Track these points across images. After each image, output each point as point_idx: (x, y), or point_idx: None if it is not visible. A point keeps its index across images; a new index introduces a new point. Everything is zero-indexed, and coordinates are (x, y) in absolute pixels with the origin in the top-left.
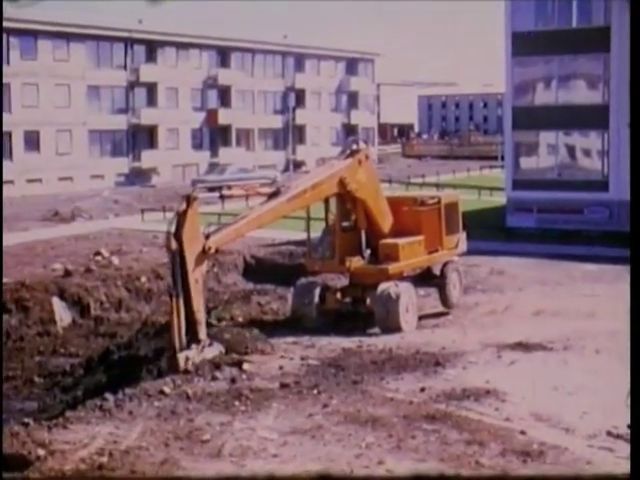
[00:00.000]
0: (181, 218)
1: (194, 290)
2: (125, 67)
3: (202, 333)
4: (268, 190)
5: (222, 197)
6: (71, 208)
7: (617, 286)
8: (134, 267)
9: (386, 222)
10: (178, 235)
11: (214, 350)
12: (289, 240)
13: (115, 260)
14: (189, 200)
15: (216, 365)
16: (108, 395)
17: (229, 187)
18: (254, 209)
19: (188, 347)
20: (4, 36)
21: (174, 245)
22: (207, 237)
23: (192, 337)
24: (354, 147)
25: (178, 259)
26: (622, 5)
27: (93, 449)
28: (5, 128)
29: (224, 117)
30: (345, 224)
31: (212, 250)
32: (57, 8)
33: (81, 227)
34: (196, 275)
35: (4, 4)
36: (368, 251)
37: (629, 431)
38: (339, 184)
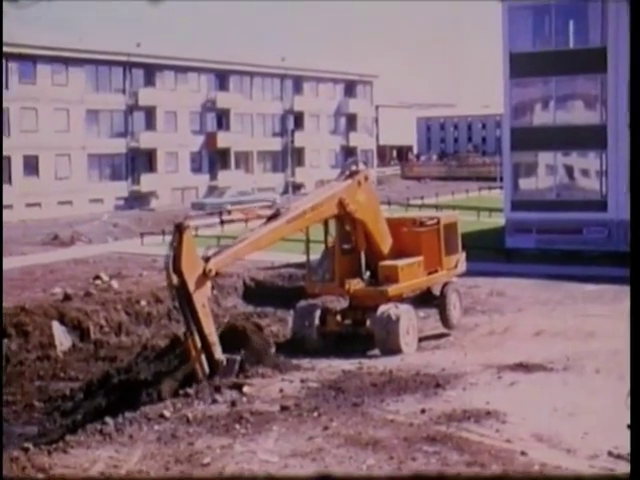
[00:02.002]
0: (177, 249)
1: (202, 314)
2: (124, 91)
3: (217, 353)
4: (268, 212)
5: (222, 222)
6: (70, 232)
7: (617, 306)
8: (134, 291)
9: (385, 243)
10: (177, 267)
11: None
12: (289, 263)
13: (115, 284)
14: (181, 229)
15: (216, 388)
16: (108, 419)
17: (229, 212)
18: (254, 231)
19: (211, 375)
20: (3, 61)
21: (175, 280)
22: (207, 260)
23: (208, 359)
24: (353, 168)
25: (183, 294)
26: (618, 26)
27: (93, 473)
28: (4, 153)
29: (223, 140)
30: (345, 246)
31: (212, 272)
32: (55, 30)
33: (80, 251)
34: (202, 299)
35: (4, 4)
36: (368, 273)
37: (629, 431)
38: (338, 205)
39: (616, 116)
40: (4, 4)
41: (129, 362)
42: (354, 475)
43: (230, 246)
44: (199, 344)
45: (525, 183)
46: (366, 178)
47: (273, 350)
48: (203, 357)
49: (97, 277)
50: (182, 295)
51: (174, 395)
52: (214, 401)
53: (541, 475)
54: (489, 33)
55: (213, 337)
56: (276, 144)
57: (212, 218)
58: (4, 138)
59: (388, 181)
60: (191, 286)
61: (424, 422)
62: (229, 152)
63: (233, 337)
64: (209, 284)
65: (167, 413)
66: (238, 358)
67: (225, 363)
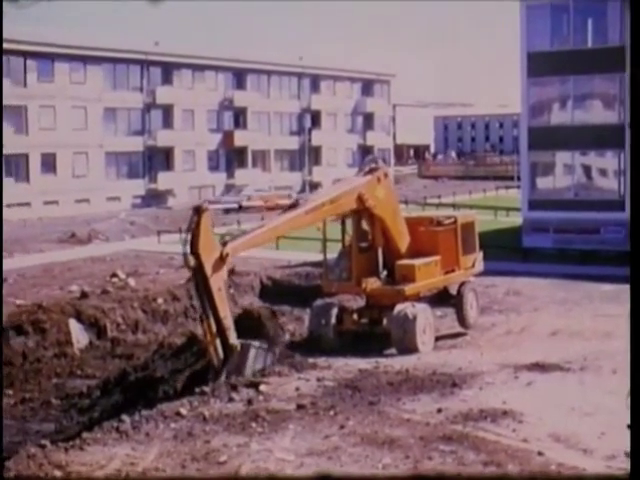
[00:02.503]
0: (194, 232)
1: (218, 298)
2: (141, 89)
3: (232, 338)
4: (287, 202)
5: (241, 207)
6: (88, 230)
7: None
8: (150, 289)
9: (403, 241)
10: (194, 249)
11: (262, 361)
12: (305, 261)
13: (131, 282)
14: (199, 212)
15: (232, 386)
16: (125, 417)
17: (248, 198)
18: (272, 219)
19: (225, 362)
20: (22, 59)
21: (192, 262)
22: (224, 244)
23: (223, 344)
24: (373, 165)
25: (200, 276)
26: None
27: (110, 470)
28: (22, 150)
29: (240, 138)
30: (362, 244)
31: (230, 256)
32: (73, 27)
33: (98, 249)
34: (218, 283)
35: (4, 4)
36: (385, 272)
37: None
38: (357, 200)
39: None
40: (4, 4)
41: (146, 360)
42: (354, 475)
43: (248, 232)
44: (214, 328)
45: (543, 182)
46: (386, 175)
47: (286, 337)
48: (218, 342)
49: (114, 275)
50: (198, 277)
51: (190, 393)
52: (230, 399)
53: (541, 475)
54: (507, 31)
55: (228, 321)
56: (293, 143)
57: (231, 204)
58: (22, 136)
59: (405, 180)
60: (208, 268)
61: (440, 421)
62: (246, 151)
63: (248, 323)
64: (225, 268)
65: (184, 411)
66: (253, 344)
67: (239, 348)
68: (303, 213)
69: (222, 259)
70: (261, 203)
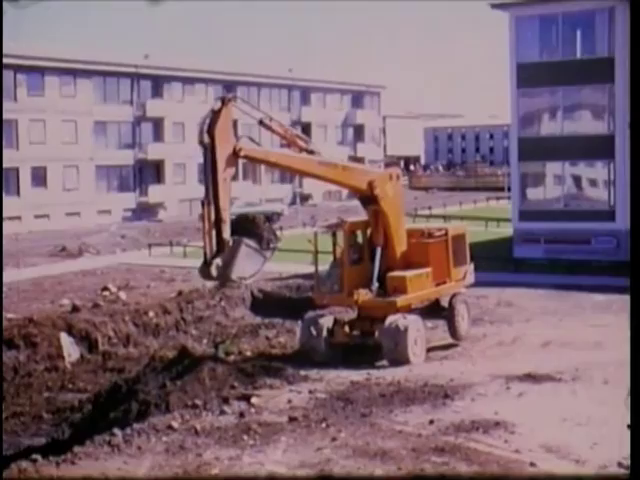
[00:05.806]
0: (215, 116)
1: (222, 188)
2: (131, 102)
3: (226, 233)
4: (304, 146)
5: (261, 123)
6: (78, 243)
7: (625, 316)
8: (142, 302)
9: (400, 247)
10: (211, 131)
11: (252, 263)
12: (297, 273)
13: (123, 295)
14: (224, 101)
15: (224, 399)
16: (116, 430)
17: (270, 119)
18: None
19: (217, 255)
20: (12, 73)
21: (206, 139)
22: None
23: (217, 235)
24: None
25: (209, 158)
26: (626, 36)
27: None
28: (12, 164)
29: None
30: (353, 256)
31: (242, 152)
32: (63, 41)
33: (88, 262)
34: (225, 175)
35: (4, 4)
36: (376, 284)
37: (629, 431)
38: (368, 185)
39: (624, 126)
40: (4, 4)
41: (137, 373)
42: (354, 475)
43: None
44: (213, 217)
45: (533, 193)
46: (398, 176)
47: (279, 244)
48: (213, 233)
49: (105, 288)
50: (208, 158)
51: (182, 406)
52: (222, 412)
53: (541, 475)
54: (497, 43)
55: (226, 215)
56: None
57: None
58: (13, 150)
59: None
60: (220, 161)
61: (432, 433)
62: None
63: (243, 225)
64: (234, 167)
65: (175, 424)
66: (245, 241)
67: (231, 243)
68: (316, 162)
69: (235, 154)
70: (280, 130)
